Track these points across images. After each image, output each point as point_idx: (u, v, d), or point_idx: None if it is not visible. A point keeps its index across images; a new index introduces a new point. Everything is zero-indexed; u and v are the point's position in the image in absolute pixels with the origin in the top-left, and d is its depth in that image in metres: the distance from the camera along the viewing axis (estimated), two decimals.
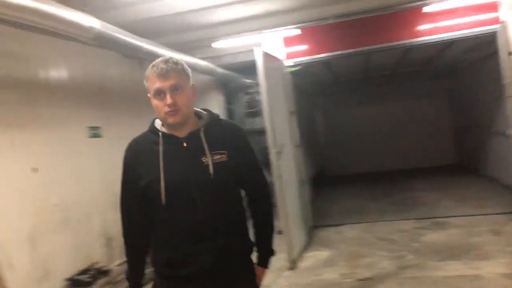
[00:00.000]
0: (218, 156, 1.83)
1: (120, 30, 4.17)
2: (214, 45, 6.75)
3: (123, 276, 4.73)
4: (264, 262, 2.03)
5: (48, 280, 4.33)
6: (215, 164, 1.81)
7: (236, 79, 8.61)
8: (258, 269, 2.01)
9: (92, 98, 5.48)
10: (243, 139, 1.99)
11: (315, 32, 6.53)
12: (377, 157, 12.32)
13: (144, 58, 5.19)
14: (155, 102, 1.80)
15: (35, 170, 4.35)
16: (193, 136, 1.85)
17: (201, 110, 2.00)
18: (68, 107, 5.02)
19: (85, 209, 5.12)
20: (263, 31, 6.43)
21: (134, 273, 2.00)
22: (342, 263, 5.16)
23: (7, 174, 4.01)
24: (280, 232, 5.33)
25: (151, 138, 1.89)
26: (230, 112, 9.15)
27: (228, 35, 6.58)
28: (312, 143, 11.40)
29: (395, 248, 5.49)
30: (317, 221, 6.98)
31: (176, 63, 1.82)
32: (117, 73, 6.09)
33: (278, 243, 5.83)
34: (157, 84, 1.77)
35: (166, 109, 1.78)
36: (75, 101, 5.16)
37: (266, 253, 2.05)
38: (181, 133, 1.86)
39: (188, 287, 1.83)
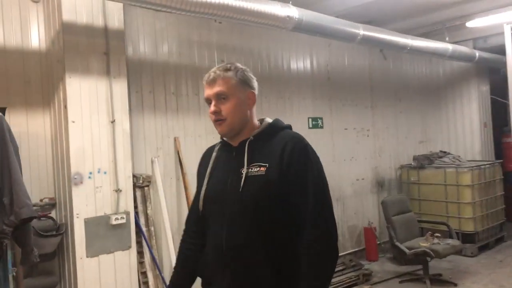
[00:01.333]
0: (256, 169, 1.60)
1: (321, 16, 3.92)
2: (469, 24, 5.61)
3: None
4: None
5: None
6: (248, 177, 1.59)
7: None
8: None
9: (318, 88, 5.45)
10: (297, 154, 1.59)
11: None
12: None
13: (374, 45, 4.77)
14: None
15: None
16: (241, 146, 1.68)
17: (267, 120, 1.76)
18: (292, 97, 5.15)
19: None
20: None
21: (175, 274, 1.84)
22: None
23: None
24: None
25: (217, 145, 1.81)
26: (498, 105, 7.51)
27: (487, 10, 5.35)
28: None
29: None
30: None
31: (227, 69, 1.68)
32: (351, 62, 5.85)
33: None
34: (205, 92, 1.69)
35: (212, 117, 1.67)
36: (300, 90, 5.24)
37: None
38: (235, 142, 1.71)
39: None
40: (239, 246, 1.57)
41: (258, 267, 1.55)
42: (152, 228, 3.84)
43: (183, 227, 4.10)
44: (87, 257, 3.19)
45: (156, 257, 3.75)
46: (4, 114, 3.04)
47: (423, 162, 6.13)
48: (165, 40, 4.11)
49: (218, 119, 1.64)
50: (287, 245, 1.58)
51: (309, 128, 5.34)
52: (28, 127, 3.36)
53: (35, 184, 3.35)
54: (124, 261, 3.36)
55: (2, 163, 2.39)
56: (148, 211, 3.84)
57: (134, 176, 3.83)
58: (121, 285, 3.33)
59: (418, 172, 6.17)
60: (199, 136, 4.29)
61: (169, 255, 3.88)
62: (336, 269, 4.84)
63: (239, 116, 1.66)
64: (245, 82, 1.69)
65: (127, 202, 3.40)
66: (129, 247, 3.40)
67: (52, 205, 3.37)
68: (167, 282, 3.80)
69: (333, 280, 4.56)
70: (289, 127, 1.75)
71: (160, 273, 3.76)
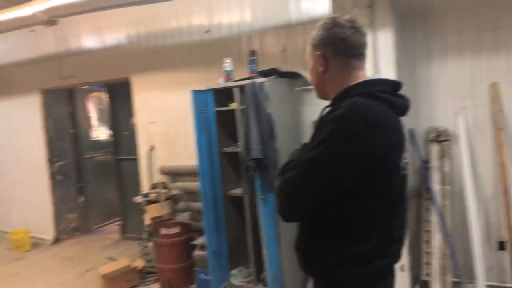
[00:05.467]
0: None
1: None
2: None
3: None
4: None
5: None
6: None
7: None
8: None
9: None
10: (325, 128, 1.31)
11: None
12: None
13: None
14: None
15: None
16: None
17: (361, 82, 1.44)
18: None
19: None
20: None
21: None
22: None
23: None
24: None
25: None
26: None
27: None
28: None
29: None
30: None
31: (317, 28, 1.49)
32: None
33: None
34: None
35: None
36: None
37: None
38: None
39: None
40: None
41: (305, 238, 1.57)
42: (448, 187, 3.43)
43: (497, 194, 3.33)
44: None
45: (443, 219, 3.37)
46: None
47: None
48: None
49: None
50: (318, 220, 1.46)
51: None
52: None
53: None
54: None
55: (248, 120, 3.35)
56: (445, 169, 3.46)
57: (429, 129, 3.57)
58: None
59: None
60: None
61: (464, 219, 3.33)
62: None
63: (315, 82, 1.52)
64: (314, 45, 1.47)
65: None
66: None
67: None
68: (454, 249, 3.34)
69: None
70: (365, 93, 1.34)
71: (447, 235, 3.34)
